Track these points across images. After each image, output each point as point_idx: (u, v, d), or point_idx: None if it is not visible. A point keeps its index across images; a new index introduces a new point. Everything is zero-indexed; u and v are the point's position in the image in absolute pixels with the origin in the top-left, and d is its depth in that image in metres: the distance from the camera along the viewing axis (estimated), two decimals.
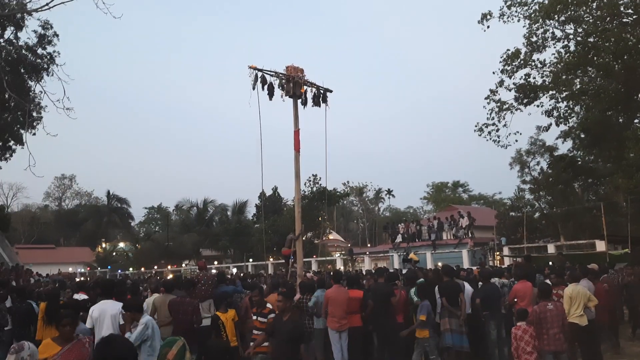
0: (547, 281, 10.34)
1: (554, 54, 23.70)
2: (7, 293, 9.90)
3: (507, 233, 32.94)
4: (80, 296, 9.08)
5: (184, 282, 9.08)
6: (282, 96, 13.52)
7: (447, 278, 9.54)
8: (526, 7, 23.35)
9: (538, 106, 25.00)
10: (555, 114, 25.45)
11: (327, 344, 8.84)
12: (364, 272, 19.79)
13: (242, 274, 24.46)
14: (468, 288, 9.97)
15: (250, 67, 13.23)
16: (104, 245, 63.94)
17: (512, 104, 25.00)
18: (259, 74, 13.28)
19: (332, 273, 11.67)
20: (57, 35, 24.80)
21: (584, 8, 21.85)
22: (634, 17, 21.41)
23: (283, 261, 19.66)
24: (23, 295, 9.46)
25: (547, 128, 28.17)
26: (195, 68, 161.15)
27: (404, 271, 17.39)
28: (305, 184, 47.46)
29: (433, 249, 30.79)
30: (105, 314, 6.67)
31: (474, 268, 18.17)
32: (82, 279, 25.75)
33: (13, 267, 23.06)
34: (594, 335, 9.20)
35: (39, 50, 24.59)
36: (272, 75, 13.44)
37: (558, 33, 23.29)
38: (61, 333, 5.06)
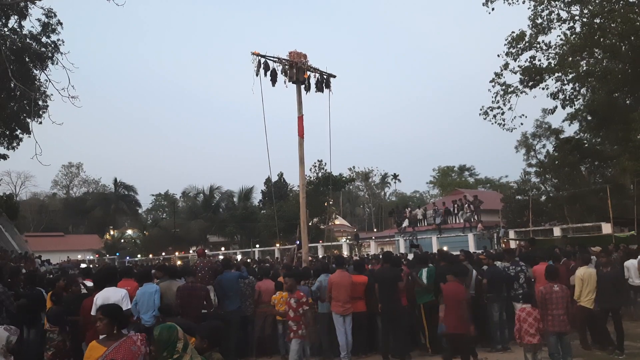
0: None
1: (560, 35, 23.44)
2: (15, 281, 9.98)
3: (513, 216, 32.82)
4: (87, 283, 9.18)
5: (184, 270, 9.12)
6: (285, 82, 13.50)
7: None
8: None
9: (543, 89, 24.78)
10: (561, 96, 25.24)
11: (332, 328, 8.96)
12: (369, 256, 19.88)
13: (248, 260, 24.62)
14: (473, 272, 9.99)
15: (253, 54, 13.19)
16: (112, 232, 64.47)
17: (517, 86, 24.80)
18: (262, 60, 13.25)
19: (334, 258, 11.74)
20: (61, 24, 24.69)
21: None
22: None
23: (289, 246, 19.83)
24: (33, 282, 9.52)
25: (552, 111, 28.00)
26: (201, 55, 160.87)
27: (410, 256, 17.47)
28: (310, 170, 47.53)
29: (439, 233, 30.86)
30: (108, 302, 6.72)
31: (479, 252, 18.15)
32: (90, 265, 25.99)
33: (22, 255, 23.31)
34: (602, 319, 9.19)
35: (43, 39, 24.52)
36: (275, 61, 13.40)
37: (563, 14, 23.01)
38: (98, 331, 4.44)
